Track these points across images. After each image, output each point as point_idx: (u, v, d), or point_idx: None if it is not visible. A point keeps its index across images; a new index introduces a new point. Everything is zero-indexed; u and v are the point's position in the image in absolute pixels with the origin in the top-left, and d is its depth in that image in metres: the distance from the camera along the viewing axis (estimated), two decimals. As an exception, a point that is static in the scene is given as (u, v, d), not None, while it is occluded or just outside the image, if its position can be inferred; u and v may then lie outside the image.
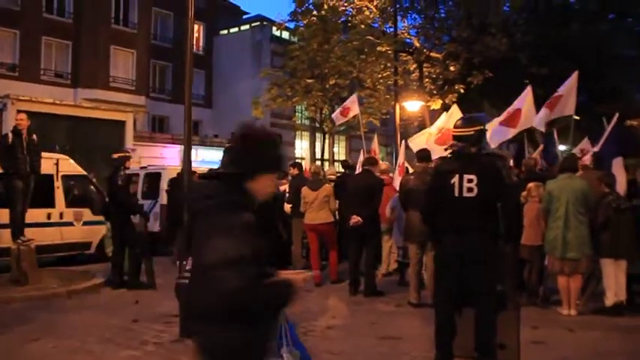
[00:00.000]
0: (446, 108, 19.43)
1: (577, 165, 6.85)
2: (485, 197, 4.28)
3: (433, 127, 11.81)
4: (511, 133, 10.97)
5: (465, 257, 4.32)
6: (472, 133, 4.45)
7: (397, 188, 9.06)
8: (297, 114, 35.25)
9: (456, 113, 11.36)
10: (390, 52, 17.57)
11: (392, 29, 18.32)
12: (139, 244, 8.15)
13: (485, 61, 19.05)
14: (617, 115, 9.24)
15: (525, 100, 10.76)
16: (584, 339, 5.60)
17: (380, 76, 17.42)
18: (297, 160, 14.88)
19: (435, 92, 19.41)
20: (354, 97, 12.04)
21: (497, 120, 11.04)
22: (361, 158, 10.88)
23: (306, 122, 34.44)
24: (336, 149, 36.89)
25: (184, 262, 3.22)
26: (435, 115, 19.95)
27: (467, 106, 19.53)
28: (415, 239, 6.89)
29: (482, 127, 4.48)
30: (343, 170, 11.43)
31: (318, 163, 13.13)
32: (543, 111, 10.53)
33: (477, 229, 4.30)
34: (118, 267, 8.26)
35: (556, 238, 6.35)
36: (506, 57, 19.71)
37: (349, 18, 16.99)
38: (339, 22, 16.30)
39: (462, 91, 19.20)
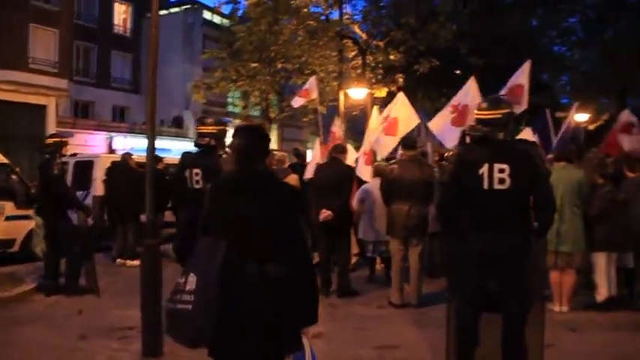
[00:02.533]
0: (392, 96, 19.20)
1: (572, 154, 6.49)
2: (518, 189, 3.71)
3: (381, 116, 11.34)
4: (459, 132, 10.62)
5: (494, 257, 3.74)
6: (500, 116, 3.85)
7: (363, 178, 8.49)
8: (229, 100, 34.21)
9: (402, 101, 10.93)
10: (335, 37, 16.99)
11: (335, 14, 17.78)
12: (79, 243, 7.08)
13: (427, 49, 18.87)
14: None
15: (470, 94, 10.40)
16: (593, 341, 5.20)
17: (328, 61, 16.74)
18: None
19: (374, 80, 19.00)
20: (313, 80, 11.36)
21: (442, 118, 10.65)
22: (317, 146, 10.23)
23: (236, 110, 33.54)
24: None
25: (182, 280, 2.47)
26: (376, 104, 19.66)
27: (391, 99, 19.41)
28: (398, 234, 6.30)
29: (510, 110, 3.89)
30: (296, 159, 10.68)
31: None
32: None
33: (509, 226, 3.72)
34: (52, 269, 7.16)
35: (550, 231, 5.93)
36: (446, 47, 19.65)
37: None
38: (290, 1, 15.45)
39: (400, 80, 18.96)
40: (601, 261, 6.14)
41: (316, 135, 38.82)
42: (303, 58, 16.31)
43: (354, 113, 22.61)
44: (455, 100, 10.66)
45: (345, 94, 17.42)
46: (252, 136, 2.71)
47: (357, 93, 17.47)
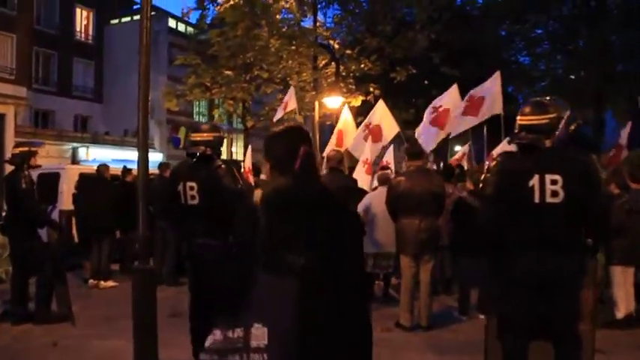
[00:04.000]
0: (366, 105, 18.89)
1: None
2: (573, 202, 3.29)
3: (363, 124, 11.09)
4: (440, 135, 10.52)
5: (547, 280, 3.32)
6: (546, 121, 3.43)
7: (365, 188, 8.09)
8: (195, 110, 33.37)
9: (382, 109, 10.72)
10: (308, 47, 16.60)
11: (308, 22, 17.40)
12: (50, 265, 6.36)
13: (401, 58, 18.66)
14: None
15: (451, 99, 10.33)
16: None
17: (305, 67, 16.26)
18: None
19: (345, 90, 18.64)
20: (291, 91, 11.01)
21: (424, 120, 10.58)
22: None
23: (203, 119, 32.72)
24: (234, 149, 35.39)
25: (237, 334, 1.92)
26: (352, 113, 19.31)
27: (365, 108, 19.20)
28: (410, 251, 5.84)
29: (558, 115, 3.47)
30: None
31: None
32: (468, 118, 10.05)
33: (564, 244, 3.30)
34: (19, 293, 6.42)
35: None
36: (418, 56, 19.49)
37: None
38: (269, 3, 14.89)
39: (371, 89, 18.69)
40: (619, 275, 5.83)
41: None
42: (281, 64, 15.75)
43: (328, 123, 22.24)
44: (436, 102, 10.56)
45: (320, 103, 17.01)
46: (311, 141, 2.19)
47: (332, 102, 17.08)
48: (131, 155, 25.23)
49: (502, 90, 10.19)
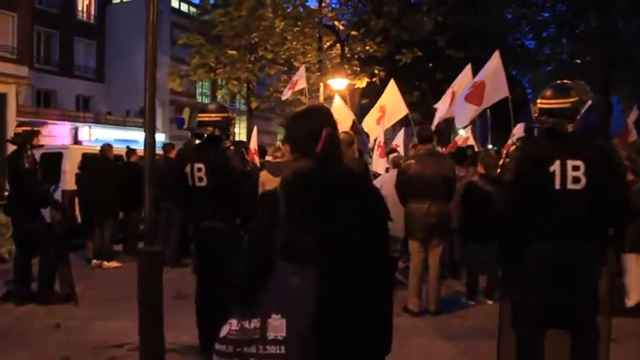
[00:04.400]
0: (372, 87, 18.71)
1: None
2: (595, 189, 3.18)
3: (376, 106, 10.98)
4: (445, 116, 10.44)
5: (567, 269, 3.23)
6: (568, 105, 3.32)
7: (377, 171, 8.01)
8: (198, 91, 33.14)
9: (392, 90, 10.59)
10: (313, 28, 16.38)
11: (314, 2, 17.18)
12: (53, 245, 6.28)
13: (407, 41, 18.43)
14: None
15: (465, 80, 10.16)
16: (637, 351, 4.77)
17: (311, 48, 16.06)
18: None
19: (350, 72, 18.44)
20: (302, 70, 10.83)
21: (445, 101, 10.50)
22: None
23: (206, 100, 32.48)
24: (237, 130, 35.21)
25: (253, 325, 1.82)
26: (354, 94, 19.14)
27: (371, 89, 19.03)
28: (419, 236, 5.74)
29: (580, 98, 3.35)
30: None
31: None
32: (468, 107, 9.87)
33: (584, 232, 3.21)
34: (23, 274, 6.35)
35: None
36: (423, 39, 19.25)
37: None
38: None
39: (375, 72, 18.49)
40: (632, 263, 5.73)
41: (283, 127, 38.00)
42: (285, 45, 15.55)
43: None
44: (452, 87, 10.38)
45: (325, 85, 16.84)
46: (335, 122, 2.06)
47: (338, 83, 16.91)
48: (133, 135, 25.07)
49: (506, 73, 10.03)
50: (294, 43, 15.54)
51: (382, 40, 18.17)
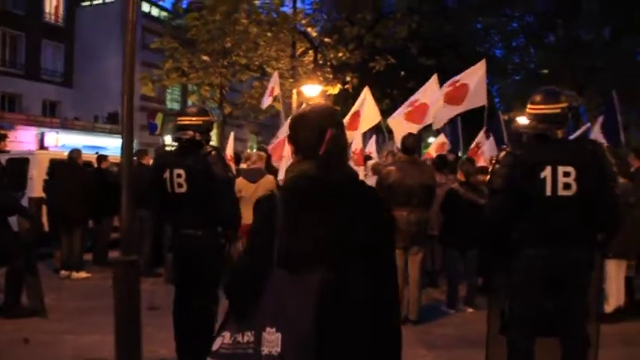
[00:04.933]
0: (344, 93, 18.72)
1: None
2: (585, 195, 3.16)
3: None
4: (415, 128, 10.49)
5: (558, 276, 3.19)
6: (558, 110, 3.29)
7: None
8: (168, 96, 32.71)
9: (367, 97, 10.63)
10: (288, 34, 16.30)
11: (286, 8, 17.06)
12: (21, 255, 6.00)
13: (379, 48, 18.50)
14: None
15: (429, 92, 10.28)
16: (611, 357, 4.77)
17: (284, 54, 15.96)
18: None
19: (322, 78, 18.43)
20: (275, 76, 10.72)
21: (398, 114, 10.56)
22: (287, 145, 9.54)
23: (175, 106, 32.08)
24: (208, 137, 34.83)
25: (246, 339, 1.70)
26: (327, 101, 19.11)
27: (343, 97, 19.07)
28: (399, 244, 5.66)
29: (570, 104, 3.33)
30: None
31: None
32: (450, 107, 10.03)
33: (574, 238, 3.18)
34: (-13, 286, 6.07)
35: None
36: (396, 46, 19.37)
37: None
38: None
39: (348, 78, 18.53)
40: (613, 269, 5.77)
41: (255, 134, 37.56)
42: (259, 51, 15.41)
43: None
44: (414, 97, 10.50)
45: (298, 92, 16.76)
46: (342, 122, 1.96)
47: (311, 90, 16.85)
48: (101, 142, 24.57)
49: None
50: (268, 49, 15.42)
51: (355, 47, 18.20)
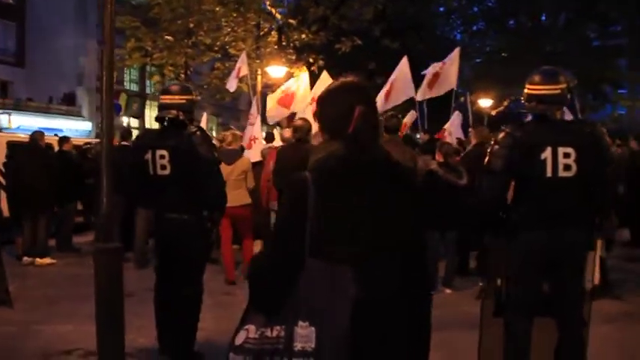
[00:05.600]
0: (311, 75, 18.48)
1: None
2: (585, 177, 3.13)
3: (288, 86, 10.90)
4: (384, 107, 10.66)
5: (557, 258, 3.17)
6: (558, 91, 3.24)
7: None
8: (126, 78, 31.77)
9: (325, 80, 10.61)
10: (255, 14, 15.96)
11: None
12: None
13: (346, 29, 18.34)
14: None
15: (400, 72, 10.46)
16: (595, 334, 4.85)
17: (250, 34, 15.59)
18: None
19: (285, 60, 18.16)
20: (243, 56, 10.51)
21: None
22: (258, 127, 9.36)
23: (133, 87, 31.21)
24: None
25: (275, 333, 1.58)
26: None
27: (313, 76, 18.87)
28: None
29: (568, 85, 3.28)
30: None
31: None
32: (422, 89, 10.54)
33: (573, 220, 3.15)
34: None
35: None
36: (362, 28, 19.26)
37: None
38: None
39: (311, 60, 18.35)
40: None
41: (215, 115, 36.60)
42: (225, 31, 15.01)
43: (269, 94, 21.63)
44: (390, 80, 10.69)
45: (263, 73, 16.47)
46: (373, 99, 1.82)
47: (276, 71, 16.59)
48: (57, 123, 23.73)
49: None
50: (236, 29, 15.04)
51: (320, 29, 17.97)
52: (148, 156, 3.86)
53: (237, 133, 7.28)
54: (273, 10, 17.96)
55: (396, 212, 1.67)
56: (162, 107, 3.95)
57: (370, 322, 1.60)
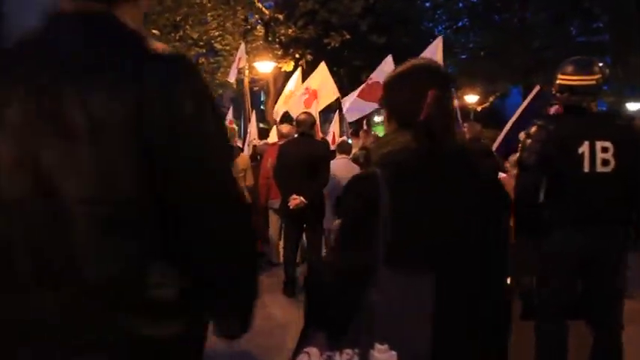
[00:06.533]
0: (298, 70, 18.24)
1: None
2: (623, 172, 2.98)
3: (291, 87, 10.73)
4: (370, 107, 10.55)
5: (593, 257, 3.01)
6: (593, 82, 3.08)
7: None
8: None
9: (322, 73, 10.46)
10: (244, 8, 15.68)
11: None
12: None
13: (333, 24, 18.14)
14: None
15: (384, 71, 10.32)
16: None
17: (238, 29, 15.29)
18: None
19: (272, 54, 17.89)
20: (242, 48, 10.30)
21: (353, 93, 10.54)
22: (253, 122, 9.16)
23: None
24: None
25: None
26: (278, 78, 18.63)
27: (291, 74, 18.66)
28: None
29: (602, 75, 3.12)
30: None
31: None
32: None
33: (611, 217, 3.00)
34: None
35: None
36: (351, 23, 19.06)
37: None
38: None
39: (297, 55, 18.16)
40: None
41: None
42: (212, 25, 14.70)
43: (255, 89, 21.32)
44: (371, 77, 10.55)
45: (251, 67, 16.19)
46: (447, 82, 1.63)
47: (264, 66, 16.36)
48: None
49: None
50: (223, 22, 14.72)
51: (307, 23, 17.73)
52: None
53: (234, 127, 7.06)
54: (260, 5, 17.67)
55: (474, 214, 1.48)
56: None
57: (452, 342, 1.40)
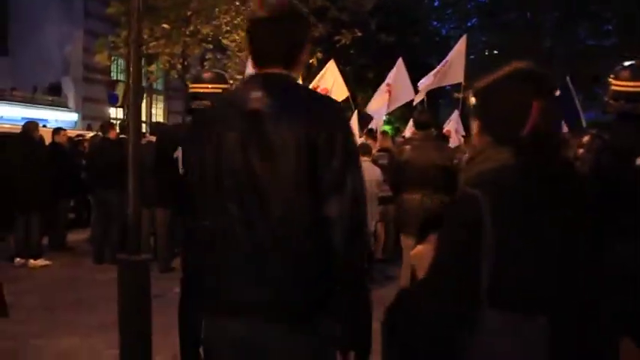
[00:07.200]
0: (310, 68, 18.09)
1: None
2: (684, 186, 2.77)
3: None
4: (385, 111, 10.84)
5: None
6: (650, 89, 2.87)
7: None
8: (113, 67, 31.02)
9: (332, 71, 10.42)
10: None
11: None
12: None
13: (343, 21, 17.97)
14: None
15: (397, 74, 10.39)
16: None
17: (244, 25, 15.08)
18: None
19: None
20: None
21: (377, 97, 10.85)
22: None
23: (122, 77, 30.44)
24: (153, 111, 33.42)
25: None
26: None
27: (313, 69, 18.54)
28: (411, 230, 5.20)
29: None
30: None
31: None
32: (427, 79, 10.46)
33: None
34: None
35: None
36: (361, 20, 18.88)
37: None
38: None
39: (319, 54, 18.00)
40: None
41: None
42: (224, 19, 14.48)
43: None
44: (388, 79, 10.59)
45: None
46: (554, 91, 1.41)
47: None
48: (42, 114, 22.94)
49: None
50: (234, 17, 14.50)
51: (318, 20, 17.57)
52: (178, 154, 3.40)
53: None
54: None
55: (589, 243, 1.27)
56: (193, 97, 3.47)
57: None
